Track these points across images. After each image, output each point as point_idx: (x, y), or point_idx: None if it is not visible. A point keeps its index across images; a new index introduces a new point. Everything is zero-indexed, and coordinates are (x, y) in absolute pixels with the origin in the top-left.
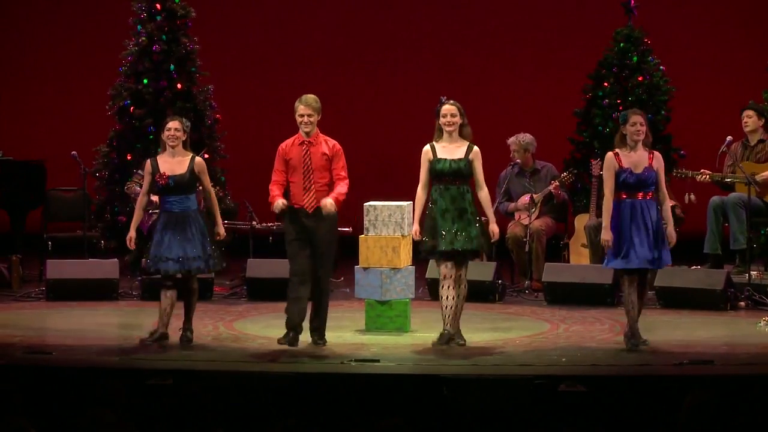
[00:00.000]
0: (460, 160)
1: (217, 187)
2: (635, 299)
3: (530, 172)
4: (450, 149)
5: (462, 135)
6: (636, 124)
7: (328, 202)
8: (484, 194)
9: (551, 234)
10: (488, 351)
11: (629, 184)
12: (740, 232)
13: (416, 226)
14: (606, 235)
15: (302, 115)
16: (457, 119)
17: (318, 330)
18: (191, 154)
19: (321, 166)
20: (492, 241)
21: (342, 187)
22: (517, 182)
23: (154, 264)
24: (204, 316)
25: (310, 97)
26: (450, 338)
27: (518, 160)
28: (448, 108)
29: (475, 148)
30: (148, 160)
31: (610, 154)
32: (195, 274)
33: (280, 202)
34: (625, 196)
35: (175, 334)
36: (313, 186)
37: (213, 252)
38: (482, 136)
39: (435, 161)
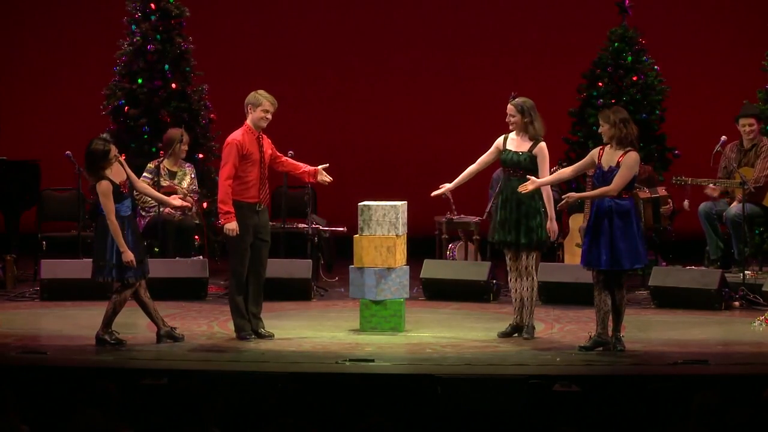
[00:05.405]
0: (522, 153)
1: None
2: (599, 301)
3: None
4: (517, 142)
5: (527, 132)
6: (601, 126)
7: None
8: (545, 190)
9: None
10: (483, 351)
11: (596, 180)
12: (744, 246)
13: (450, 186)
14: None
15: (267, 111)
16: (516, 119)
17: (257, 316)
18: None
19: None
20: (550, 239)
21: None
22: None
23: (143, 271)
24: (198, 316)
25: (273, 97)
26: (516, 329)
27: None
28: (508, 108)
29: (541, 143)
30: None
31: (597, 148)
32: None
33: (234, 226)
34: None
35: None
36: (266, 180)
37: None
38: (478, 136)
39: (503, 151)
